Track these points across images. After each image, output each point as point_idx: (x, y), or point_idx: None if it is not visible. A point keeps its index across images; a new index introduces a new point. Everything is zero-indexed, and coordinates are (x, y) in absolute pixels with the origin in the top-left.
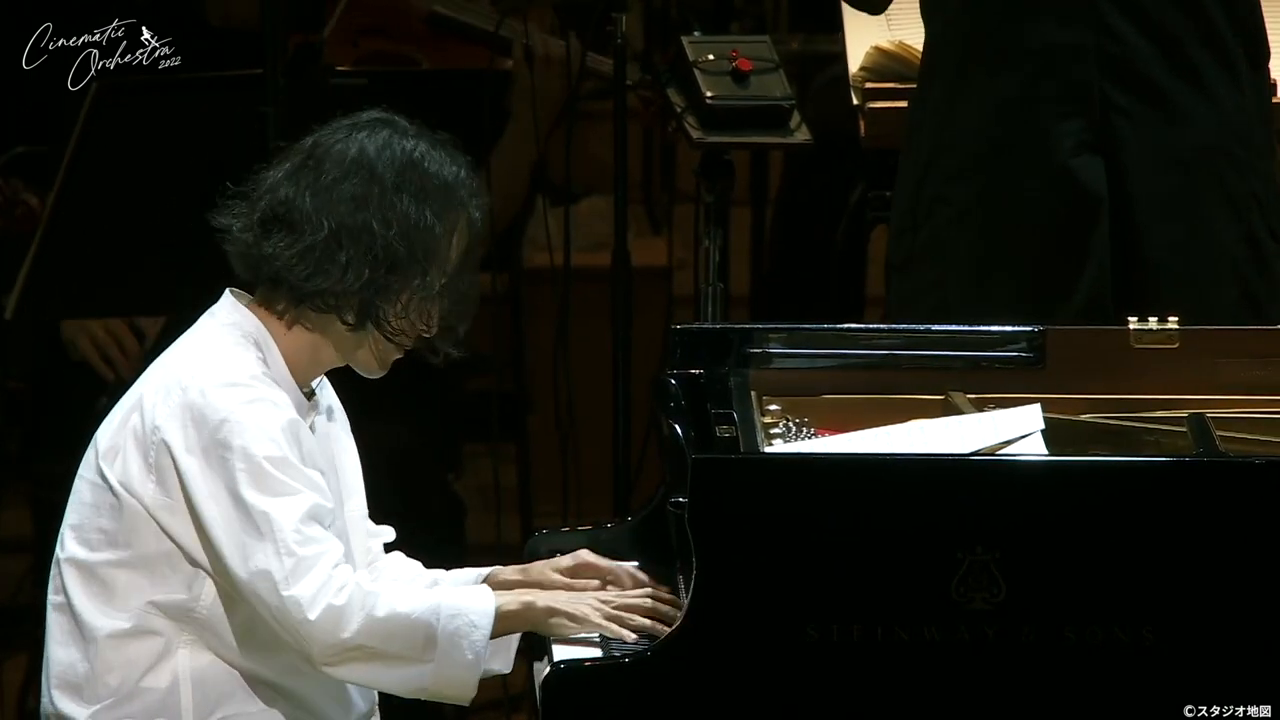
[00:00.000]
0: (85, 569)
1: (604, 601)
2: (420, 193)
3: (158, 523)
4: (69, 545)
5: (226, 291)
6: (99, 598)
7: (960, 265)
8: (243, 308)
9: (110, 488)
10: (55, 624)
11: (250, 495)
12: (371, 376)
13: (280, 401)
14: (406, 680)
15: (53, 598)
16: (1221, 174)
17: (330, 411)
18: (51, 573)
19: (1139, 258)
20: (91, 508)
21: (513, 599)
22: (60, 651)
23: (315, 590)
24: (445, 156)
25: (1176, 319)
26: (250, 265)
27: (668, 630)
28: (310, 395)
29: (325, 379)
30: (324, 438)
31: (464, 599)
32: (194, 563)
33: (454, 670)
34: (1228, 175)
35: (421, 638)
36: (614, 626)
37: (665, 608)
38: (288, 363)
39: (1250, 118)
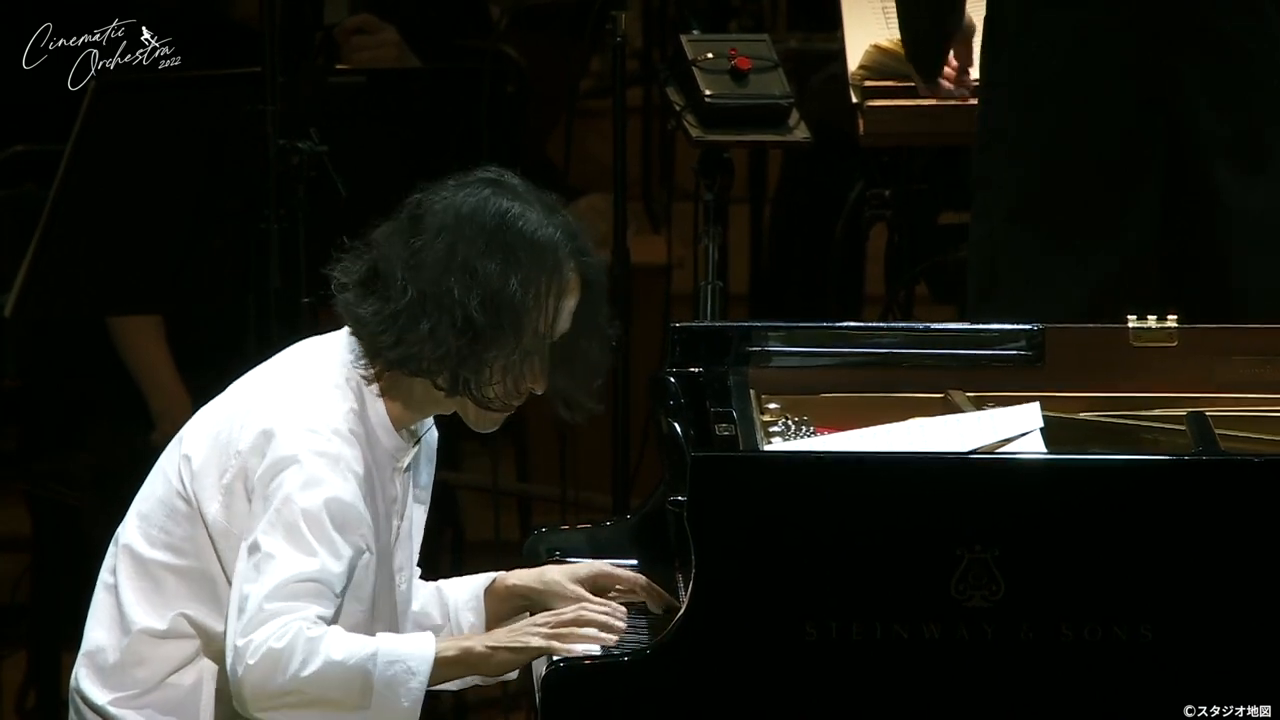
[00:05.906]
0: (139, 562)
1: (541, 624)
2: (507, 258)
3: (212, 542)
4: (130, 531)
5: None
6: (145, 593)
7: (1008, 195)
8: (356, 351)
9: (183, 489)
10: (100, 604)
11: (268, 535)
12: (482, 432)
13: (349, 461)
14: None
15: (105, 577)
16: None
17: (422, 465)
18: (109, 550)
19: (1210, 204)
20: (160, 503)
21: (452, 645)
22: (97, 633)
23: (264, 638)
24: (542, 216)
25: (1176, 317)
26: (352, 324)
27: (622, 629)
28: (416, 441)
29: (433, 424)
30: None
31: (403, 645)
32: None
33: (390, 717)
34: None
35: (358, 685)
36: (556, 645)
37: (618, 606)
38: (388, 412)
39: None
